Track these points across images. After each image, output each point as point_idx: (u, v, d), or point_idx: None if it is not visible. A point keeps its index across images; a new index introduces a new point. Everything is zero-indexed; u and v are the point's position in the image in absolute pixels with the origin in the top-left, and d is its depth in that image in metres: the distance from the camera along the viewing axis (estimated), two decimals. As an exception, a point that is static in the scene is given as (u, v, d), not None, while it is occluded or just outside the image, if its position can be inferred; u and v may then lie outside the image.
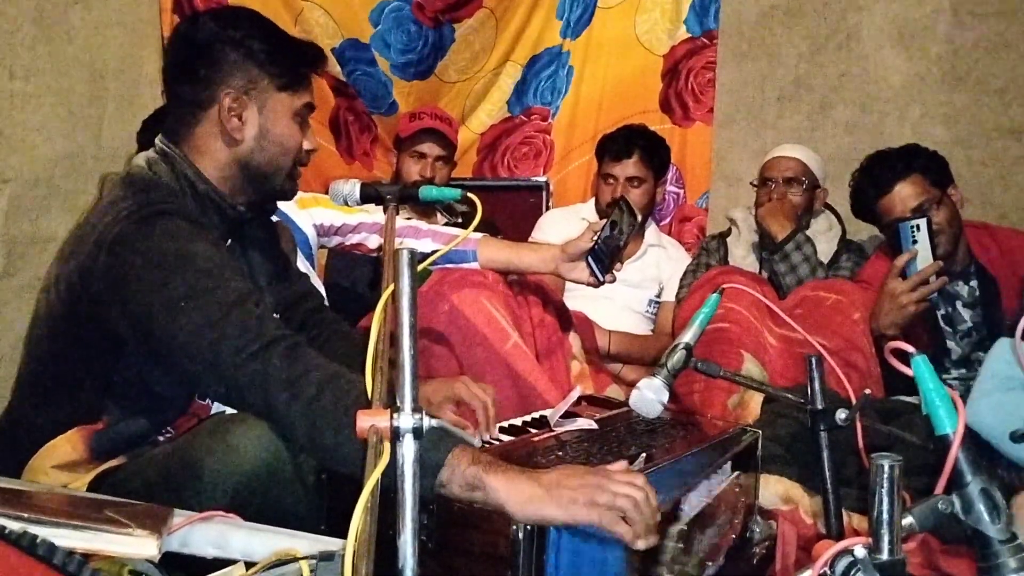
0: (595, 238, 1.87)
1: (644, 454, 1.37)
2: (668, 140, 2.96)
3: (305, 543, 1.13)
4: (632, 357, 2.63)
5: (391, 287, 1.00)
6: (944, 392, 0.97)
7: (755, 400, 1.94)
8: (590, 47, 3.31)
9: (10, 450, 1.44)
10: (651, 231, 2.94)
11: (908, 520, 0.93)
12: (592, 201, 2.95)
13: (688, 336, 1.57)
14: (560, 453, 1.35)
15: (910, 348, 1.01)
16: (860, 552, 0.87)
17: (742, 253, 2.72)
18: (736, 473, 1.46)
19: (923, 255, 2.12)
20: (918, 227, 2.13)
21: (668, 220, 3.31)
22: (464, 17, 3.19)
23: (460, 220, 2.81)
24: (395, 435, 0.88)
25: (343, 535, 0.81)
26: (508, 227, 2.88)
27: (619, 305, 2.77)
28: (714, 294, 1.62)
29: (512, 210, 3.19)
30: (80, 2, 2.37)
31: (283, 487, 1.28)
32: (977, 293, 2.31)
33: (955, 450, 0.94)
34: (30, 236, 2.23)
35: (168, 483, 1.29)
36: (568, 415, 1.58)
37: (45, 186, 2.27)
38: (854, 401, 1.48)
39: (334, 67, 3.10)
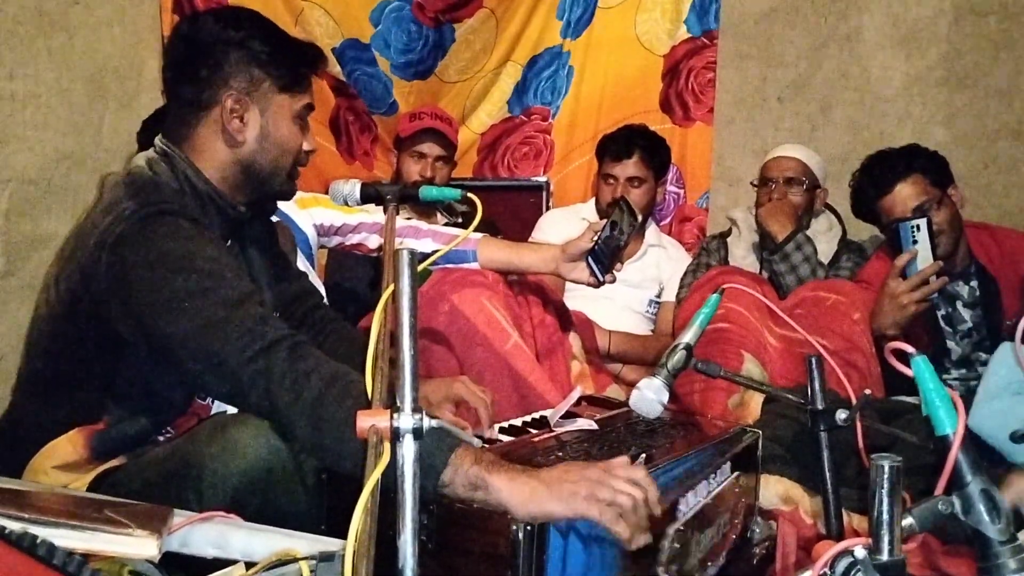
0: (595, 238, 1.87)
1: (644, 454, 1.37)
2: (668, 140, 2.96)
3: (305, 543, 1.13)
4: (632, 357, 2.63)
5: (391, 287, 1.00)
6: (944, 392, 0.97)
7: (755, 400, 1.93)
8: (590, 47, 3.31)
9: (11, 450, 1.44)
10: (651, 231, 2.94)
11: (908, 520, 0.93)
12: (592, 201, 2.95)
13: (688, 336, 1.57)
14: (560, 453, 1.35)
15: (910, 348, 1.01)
16: (860, 552, 0.87)
17: (742, 253, 2.72)
18: (736, 474, 1.46)
19: (923, 255, 2.12)
20: (918, 227, 2.13)
21: (668, 220, 3.31)
22: (464, 17, 3.19)
23: (460, 220, 2.81)
24: (395, 435, 0.88)
25: (343, 535, 0.81)
26: (508, 227, 2.88)
27: (619, 305, 2.77)
28: (714, 294, 1.61)
29: (512, 210, 3.19)
30: (80, 2, 2.37)
31: (283, 487, 1.28)
32: (977, 293, 2.31)
33: (955, 450, 0.94)
34: (30, 236, 2.23)
35: (168, 483, 1.29)
36: (568, 415, 1.58)
37: (45, 186, 2.27)
38: (854, 401, 1.48)
39: (334, 67, 3.10)
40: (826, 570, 0.88)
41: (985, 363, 2.00)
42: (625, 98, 3.29)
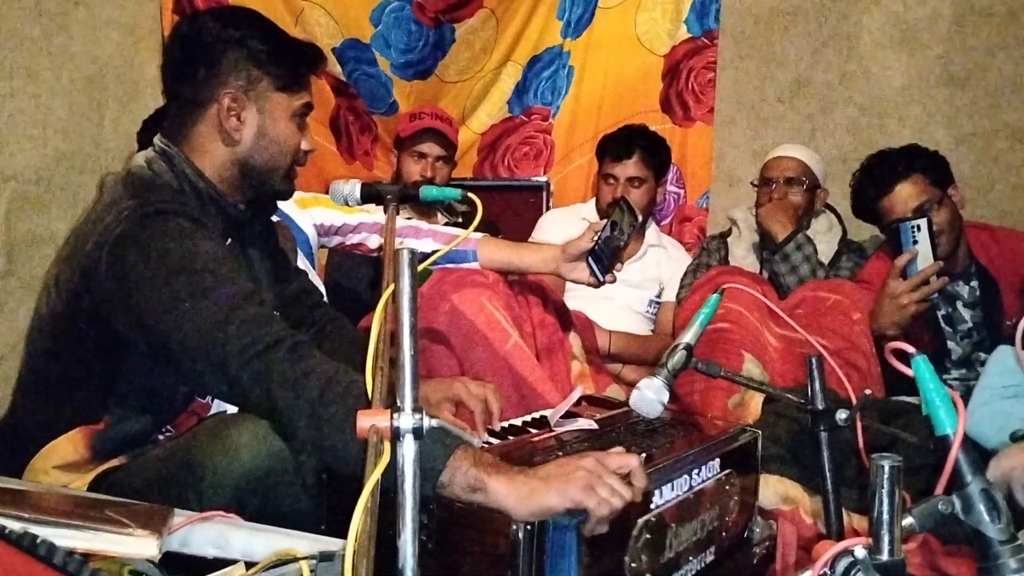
0: (595, 238, 1.87)
1: (644, 454, 1.37)
2: (669, 140, 2.95)
3: (305, 543, 1.13)
4: (632, 357, 2.63)
5: (391, 287, 1.00)
6: (944, 392, 0.97)
7: (755, 400, 1.93)
8: (591, 47, 3.31)
9: (11, 450, 1.44)
10: (651, 231, 2.94)
11: (908, 520, 0.93)
12: (592, 201, 2.94)
13: (688, 336, 1.57)
14: (560, 453, 1.35)
15: (910, 348, 1.01)
16: (860, 552, 0.87)
17: (742, 253, 2.72)
18: (726, 471, 1.46)
19: (924, 255, 2.12)
20: (919, 227, 2.13)
21: (668, 220, 3.31)
22: (465, 17, 3.19)
23: (460, 220, 2.81)
24: (395, 435, 0.88)
25: (343, 535, 0.81)
26: (508, 227, 2.88)
27: (619, 305, 2.77)
28: (714, 294, 1.61)
29: (512, 210, 3.19)
30: (80, 2, 2.37)
31: (283, 487, 1.28)
32: (978, 293, 2.31)
33: (955, 450, 0.94)
34: (30, 235, 2.23)
35: (168, 483, 1.29)
36: (568, 415, 1.58)
37: (45, 186, 2.27)
38: (854, 401, 1.48)
39: (334, 67, 3.10)
40: (826, 570, 0.88)
41: (985, 363, 2.00)
42: (625, 98, 3.29)
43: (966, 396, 1.82)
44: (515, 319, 1.97)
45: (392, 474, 0.87)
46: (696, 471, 1.37)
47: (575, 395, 1.66)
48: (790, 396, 1.58)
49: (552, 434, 1.50)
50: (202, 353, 1.26)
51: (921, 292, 2.10)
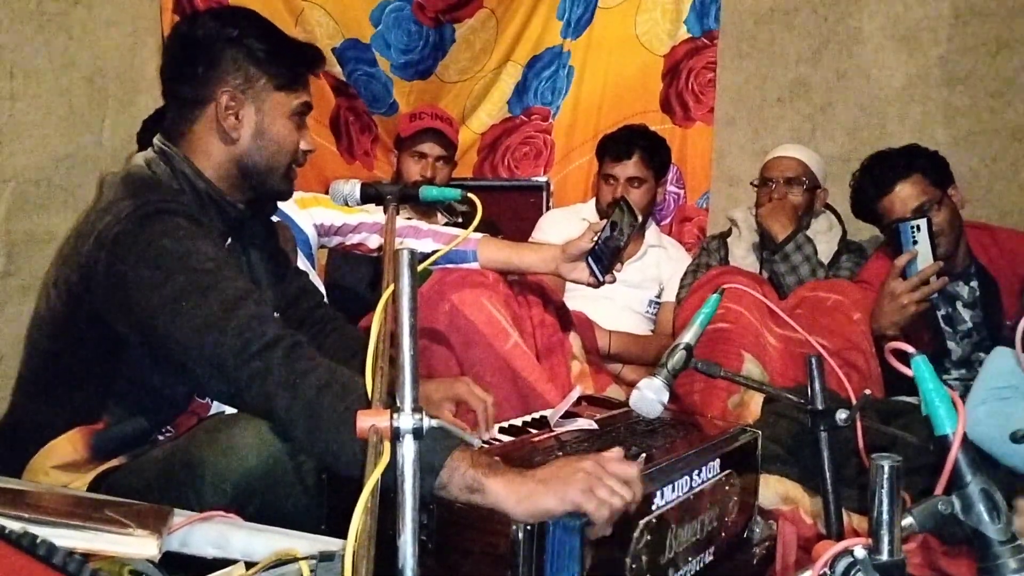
0: (595, 238, 1.87)
1: (644, 454, 1.37)
2: (668, 140, 2.96)
3: (305, 543, 1.13)
4: (632, 357, 2.63)
5: (391, 287, 1.00)
6: (944, 392, 0.97)
7: (755, 400, 1.93)
8: (591, 47, 3.31)
9: (11, 450, 1.44)
10: (651, 231, 2.94)
11: (908, 520, 0.93)
12: (592, 201, 2.95)
13: (688, 336, 1.57)
14: (560, 453, 1.35)
15: (910, 348, 1.01)
16: (860, 552, 0.87)
17: (742, 253, 2.72)
18: (726, 471, 1.46)
19: (923, 255, 2.12)
20: (918, 227, 2.13)
21: (668, 220, 3.31)
22: (465, 17, 3.19)
23: (460, 220, 2.81)
24: (395, 435, 0.88)
25: (343, 535, 0.81)
26: (508, 227, 2.88)
27: (619, 305, 2.77)
28: (714, 294, 1.61)
29: (512, 210, 3.19)
30: (80, 2, 2.37)
31: (283, 487, 1.28)
32: (977, 294, 2.31)
33: (955, 450, 0.94)
34: (30, 235, 2.23)
35: (168, 483, 1.29)
36: (568, 415, 1.58)
37: (45, 185, 2.27)
38: (854, 401, 1.48)
39: (334, 67, 3.10)
40: (826, 570, 0.88)
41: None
42: (625, 98, 3.29)
43: (965, 396, 1.82)
44: (515, 319, 1.97)
45: (392, 474, 0.87)
46: (696, 472, 1.37)
47: (575, 395, 1.66)
48: (790, 396, 1.58)
49: (552, 434, 1.50)
50: (200, 352, 1.26)
51: (921, 292, 2.10)
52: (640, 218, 1.91)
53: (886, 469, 0.86)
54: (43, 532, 0.91)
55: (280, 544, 1.12)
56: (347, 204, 1.74)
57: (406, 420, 0.88)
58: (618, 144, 2.80)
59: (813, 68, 3.16)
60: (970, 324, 2.31)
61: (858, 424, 1.46)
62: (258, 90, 1.47)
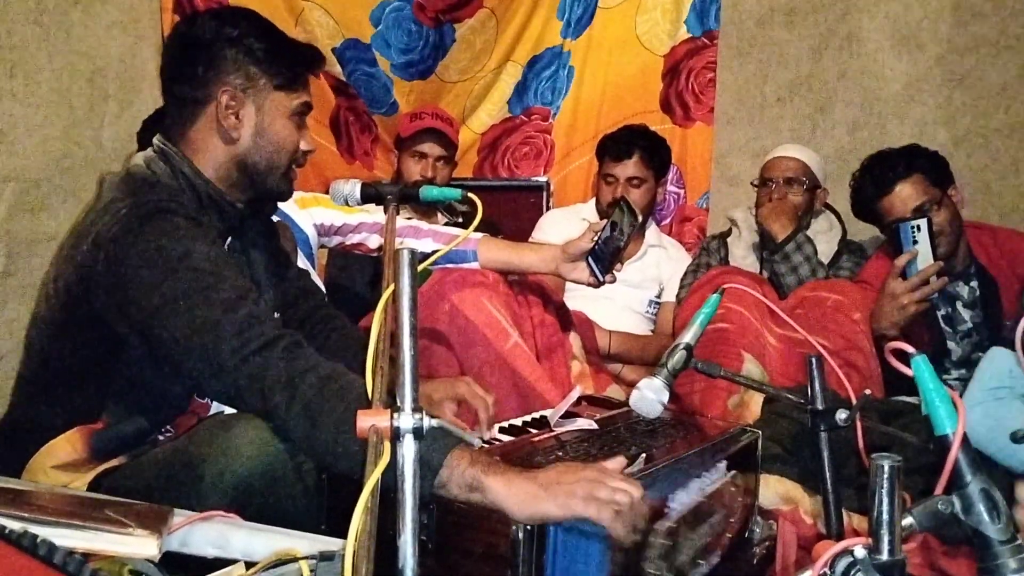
0: (595, 238, 1.87)
1: (644, 454, 1.37)
2: (668, 140, 2.95)
3: (305, 543, 1.13)
4: (632, 357, 2.63)
5: (391, 287, 1.00)
6: (944, 392, 0.97)
7: (755, 400, 1.93)
8: (591, 47, 3.31)
9: (10, 450, 1.44)
10: (651, 231, 2.94)
11: (908, 520, 0.93)
12: (592, 201, 2.95)
13: (688, 336, 1.57)
14: (560, 453, 1.35)
15: (910, 348, 1.01)
16: (860, 552, 0.87)
17: (742, 253, 2.72)
18: (732, 473, 1.46)
19: (924, 255, 2.12)
20: (919, 227, 2.13)
21: (668, 220, 3.31)
22: (465, 17, 3.19)
23: (461, 220, 2.81)
24: (395, 435, 0.88)
25: (343, 535, 0.81)
26: (508, 227, 2.88)
27: (619, 305, 2.77)
28: (714, 294, 1.61)
29: (512, 210, 3.19)
30: (80, 2, 2.37)
31: (283, 487, 1.28)
32: (977, 294, 2.31)
33: (955, 450, 0.94)
34: (30, 235, 2.23)
35: (168, 483, 1.29)
36: (568, 415, 1.58)
37: (45, 185, 2.27)
38: (854, 401, 1.48)
39: (334, 67, 3.10)
40: (826, 570, 0.88)
41: (982, 364, 2.01)
42: (625, 98, 3.29)
43: (965, 396, 1.82)
44: (515, 319, 1.97)
45: (392, 474, 0.87)
46: (707, 474, 1.37)
47: (575, 395, 1.66)
48: (790, 396, 1.58)
49: (552, 434, 1.50)
50: (198, 352, 1.27)
51: (921, 292, 2.10)
52: (640, 218, 1.91)
53: (886, 469, 0.86)
54: (43, 532, 0.91)
55: (280, 544, 1.12)
56: (347, 204, 1.74)
57: (406, 420, 0.88)
58: (618, 144, 2.80)
59: (813, 68, 3.16)
60: (970, 324, 2.31)
61: (858, 424, 1.46)
62: (258, 90, 1.47)
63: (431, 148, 2.80)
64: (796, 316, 1.96)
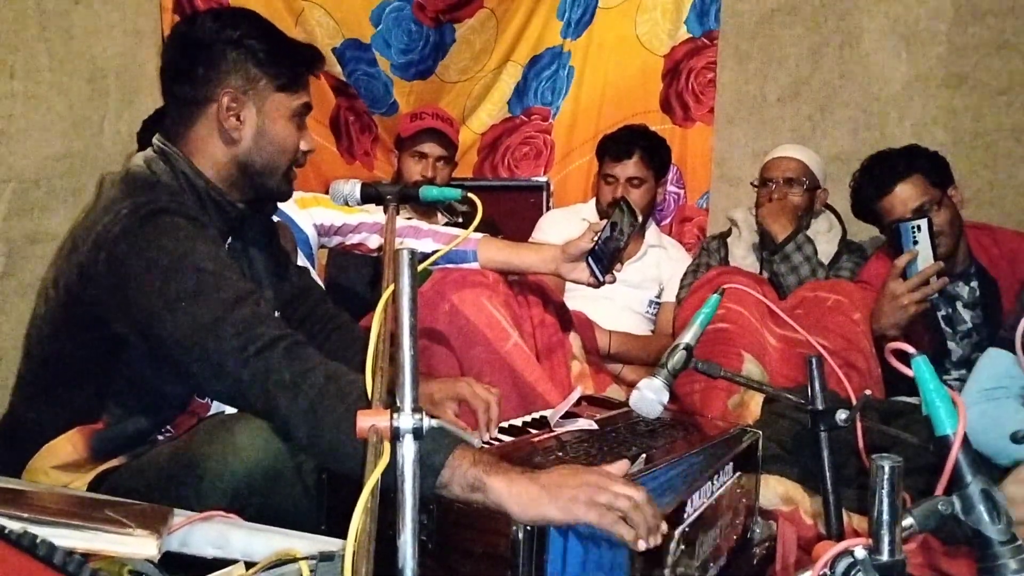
0: (595, 238, 1.87)
1: (644, 455, 1.37)
2: (668, 140, 2.96)
3: (305, 543, 1.13)
4: (632, 357, 2.63)
5: (391, 287, 1.00)
6: (944, 393, 0.97)
7: (755, 401, 1.93)
8: (591, 47, 3.31)
9: (10, 450, 1.44)
10: (651, 232, 2.94)
11: (908, 521, 0.93)
12: (592, 201, 2.95)
13: (688, 336, 1.57)
14: (560, 453, 1.35)
15: (910, 349, 1.01)
16: (860, 553, 0.87)
17: (742, 253, 2.72)
18: (738, 474, 1.46)
19: (924, 256, 2.12)
20: (919, 228, 2.13)
21: (668, 220, 3.31)
22: (465, 17, 3.19)
23: (461, 220, 2.81)
24: (395, 435, 0.88)
25: (343, 535, 0.81)
26: (508, 227, 2.88)
27: (619, 305, 2.77)
28: (714, 294, 1.61)
29: (512, 210, 3.19)
30: (80, 2, 2.37)
31: (283, 487, 1.28)
32: (977, 294, 2.31)
33: (955, 451, 0.94)
34: (30, 236, 2.23)
35: (168, 483, 1.29)
36: (568, 415, 1.58)
37: (45, 186, 2.27)
38: (854, 402, 1.48)
39: (335, 67, 3.10)
40: (826, 570, 0.88)
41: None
42: (625, 98, 3.29)
43: (965, 397, 1.82)
44: (515, 319, 1.97)
45: (392, 474, 0.87)
46: (717, 477, 1.37)
47: (575, 395, 1.66)
48: (790, 396, 1.58)
49: (552, 434, 1.50)
50: (199, 353, 1.27)
51: (921, 292, 2.10)
52: (640, 218, 1.91)
53: (886, 469, 0.86)
54: (43, 532, 0.91)
55: (280, 544, 1.12)
56: (347, 204, 1.74)
57: (406, 420, 0.88)
58: (618, 144, 2.80)
59: (813, 68, 3.16)
60: (970, 324, 2.31)
61: (858, 424, 1.46)
62: (259, 91, 1.47)
63: (431, 148, 2.80)
64: (796, 316, 1.96)
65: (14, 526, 0.93)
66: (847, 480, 1.61)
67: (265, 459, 1.26)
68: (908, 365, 1.00)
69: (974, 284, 2.31)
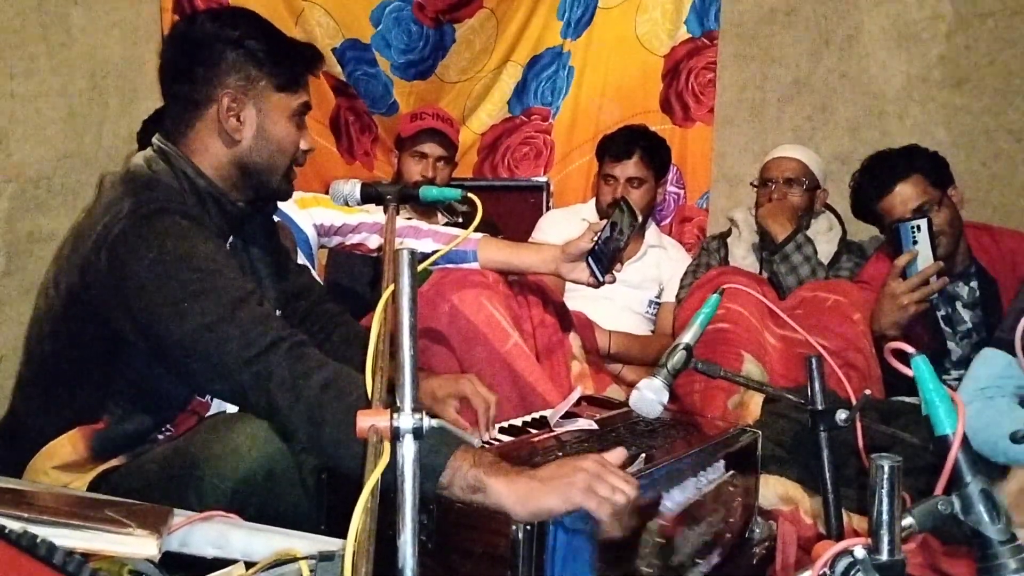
0: (595, 238, 1.87)
1: (644, 454, 1.37)
2: (668, 140, 2.95)
3: (305, 543, 1.13)
4: (632, 357, 2.63)
5: (391, 287, 1.00)
6: (944, 393, 0.97)
7: (755, 400, 1.93)
8: (591, 47, 3.31)
9: (11, 450, 1.44)
10: (651, 232, 2.94)
11: (908, 521, 0.93)
12: (592, 201, 2.95)
13: (688, 336, 1.57)
14: (560, 453, 1.35)
15: (910, 348, 1.01)
16: (860, 553, 0.87)
17: (742, 253, 2.72)
18: (730, 472, 1.46)
19: (923, 256, 2.12)
20: (918, 228, 2.13)
21: (668, 220, 3.32)
22: (465, 17, 3.19)
23: (460, 220, 2.81)
24: (395, 435, 0.88)
25: (343, 535, 0.81)
26: (508, 227, 2.88)
27: (619, 305, 2.77)
28: (714, 295, 1.61)
29: (512, 210, 3.19)
30: (80, 2, 2.37)
31: (283, 487, 1.28)
32: (977, 294, 2.31)
33: (955, 451, 0.94)
34: (30, 236, 2.23)
35: (168, 483, 1.30)
36: (568, 415, 1.58)
37: (45, 186, 2.27)
38: (854, 402, 1.48)
39: (335, 67, 3.10)
40: (826, 570, 0.88)
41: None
42: (625, 98, 3.29)
43: (965, 397, 1.83)
44: (515, 319, 1.97)
45: (392, 474, 0.87)
46: (703, 473, 1.37)
47: (575, 395, 1.66)
48: (790, 396, 1.58)
49: (552, 434, 1.50)
50: (200, 353, 1.27)
51: (921, 292, 2.10)
52: (640, 218, 1.91)
53: (886, 469, 0.86)
54: (43, 532, 0.91)
55: (280, 544, 1.12)
56: (347, 204, 1.74)
57: (406, 420, 0.88)
58: (618, 144, 2.80)
59: (813, 68, 3.17)
60: (970, 324, 2.31)
61: (858, 424, 1.46)
62: (259, 91, 1.47)
63: (431, 148, 2.80)
64: (796, 316, 1.96)
65: (14, 526, 0.93)
66: (847, 480, 1.61)
67: (265, 459, 1.26)
68: (908, 365, 1.00)
69: (974, 284, 2.31)
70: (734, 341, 2.04)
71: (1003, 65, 3.00)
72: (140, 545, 1.04)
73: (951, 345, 2.31)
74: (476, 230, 1.85)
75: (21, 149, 2.20)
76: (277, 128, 1.49)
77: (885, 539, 0.86)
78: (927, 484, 1.00)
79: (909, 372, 1.00)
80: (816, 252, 2.51)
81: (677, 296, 2.77)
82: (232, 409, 1.43)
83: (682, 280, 2.78)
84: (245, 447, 1.26)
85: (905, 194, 2.24)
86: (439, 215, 2.87)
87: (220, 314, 1.27)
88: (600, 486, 1.08)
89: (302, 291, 1.74)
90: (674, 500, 1.27)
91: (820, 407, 1.48)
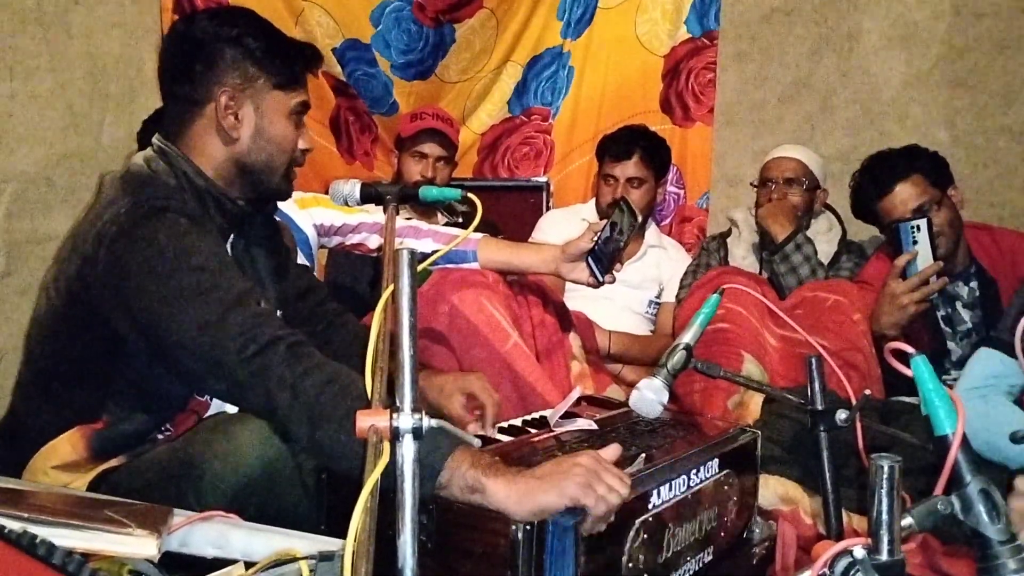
0: (595, 239, 1.87)
1: (644, 454, 1.37)
2: (668, 140, 2.95)
3: (305, 543, 1.13)
4: (632, 357, 2.63)
5: (391, 287, 1.00)
6: (944, 393, 0.97)
7: (755, 401, 1.93)
8: (591, 47, 3.31)
9: (11, 450, 1.44)
10: (651, 232, 2.94)
11: (908, 521, 0.93)
12: (592, 201, 2.95)
13: (688, 336, 1.57)
14: (560, 453, 1.35)
15: (910, 349, 1.01)
16: (859, 553, 0.87)
17: (742, 254, 2.72)
18: (725, 471, 1.46)
19: (923, 256, 2.12)
20: (918, 228, 2.13)
21: (668, 221, 3.32)
22: (465, 17, 3.19)
23: (460, 220, 2.81)
24: (395, 435, 0.88)
25: (343, 535, 0.81)
26: (508, 227, 2.88)
27: (619, 306, 2.77)
28: (714, 295, 1.61)
29: (512, 210, 3.19)
30: (80, 2, 2.37)
31: (283, 487, 1.28)
32: (977, 294, 2.31)
33: (954, 451, 0.94)
34: (30, 236, 2.23)
35: (168, 483, 1.30)
36: (568, 415, 1.58)
37: (45, 186, 2.27)
38: (854, 402, 1.48)
39: (334, 67, 3.10)
40: (826, 570, 0.88)
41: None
42: (625, 98, 3.29)
43: (965, 397, 1.83)
44: (515, 319, 1.97)
45: (391, 474, 0.87)
46: (695, 471, 1.37)
47: (575, 395, 1.66)
48: (790, 396, 1.58)
49: (552, 434, 1.50)
50: (200, 352, 1.27)
51: (921, 292, 2.10)
52: (640, 218, 1.91)
53: (886, 469, 0.86)
54: (43, 532, 0.91)
55: (280, 544, 1.12)
56: (347, 204, 1.74)
57: (405, 420, 0.88)
58: (618, 144, 2.80)
59: (813, 68, 3.17)
60: (970, 324, 2.31)
61: (858, 424, 1.46)
62: (257, 89, 1.47)
63: (431, 148, 2.80)
64: (796, 316, 1.96)
65: (14, 526, 0.93)
66: (847, 480, 1.61)
67: (265, 459, 1.26)
68: (907, 365, 1.00)
69: (974, 284, 2.31)
70: (734, 341, 2.04)
71: (1003, 65, 3.01)
72: (140, 545, 1.04)
73: (951, 345, 2.31)
74: (476, 230, 1.85)
75: (21, 149, 2.20)
76: (275, 127, 1.49)
77: (885, 539, 0.87)
78: (927, 484, 1.00)
79: (909, 372, 1.00)
80: (816, 252, 2.51)
81: (677, 296, 2.77)
82: (232, 409, 1.43)
83: (682, 280, 2.78)
84: (245, 447, 1.26)
85: (905, 194, 2.24)
86: (439, 215, 2.87)
87: (219, 313, 1.26)
88: (597, 483, 1.08)
89: (303, 291, 1.74)
90: (661, 496, 1.27)
91: (820, 407, 1.48)
